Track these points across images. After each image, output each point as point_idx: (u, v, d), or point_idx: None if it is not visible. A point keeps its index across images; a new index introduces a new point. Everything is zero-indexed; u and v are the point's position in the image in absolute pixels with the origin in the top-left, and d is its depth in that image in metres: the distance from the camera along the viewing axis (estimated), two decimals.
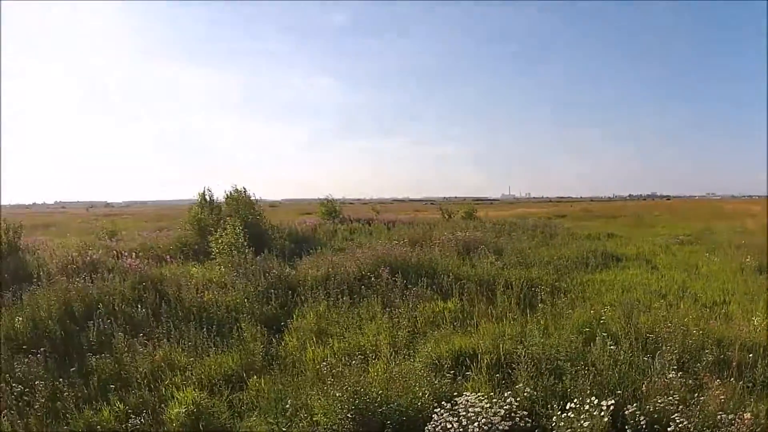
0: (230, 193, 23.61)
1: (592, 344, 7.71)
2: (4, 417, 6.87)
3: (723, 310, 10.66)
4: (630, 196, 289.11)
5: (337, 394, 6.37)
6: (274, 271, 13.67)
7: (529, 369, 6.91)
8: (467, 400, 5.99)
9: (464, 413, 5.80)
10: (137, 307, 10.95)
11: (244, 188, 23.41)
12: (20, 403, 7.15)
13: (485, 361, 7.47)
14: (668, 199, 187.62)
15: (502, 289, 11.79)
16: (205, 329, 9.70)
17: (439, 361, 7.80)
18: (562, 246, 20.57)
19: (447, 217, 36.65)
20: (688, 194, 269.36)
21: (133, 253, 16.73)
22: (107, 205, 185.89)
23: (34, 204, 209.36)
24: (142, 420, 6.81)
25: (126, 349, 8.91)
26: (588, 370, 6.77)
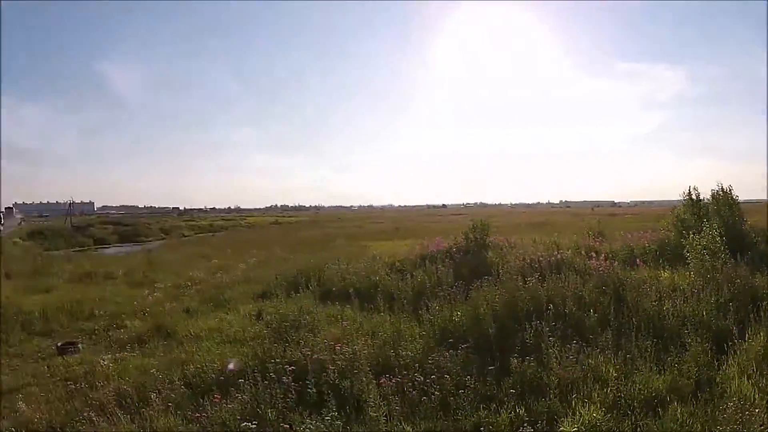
0: (716, 192, 21.98)
1: None
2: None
3: None
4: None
5: None
6: (738, 280, 11.92)
7: None
8: None
9: None
10: (589, 311, 10.51)
11: (730, 187, 21.51)
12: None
13: None
14: None
15: None
16: (650, 342, 8.96)
17: None
18: None
19: None
20: None
21: (603, 255, 16.09)
22: (614, 204, 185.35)
23: (538, 203, 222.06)
24: (533, 429, 6.59)
25: (556, 354, 8.52)
26: None
